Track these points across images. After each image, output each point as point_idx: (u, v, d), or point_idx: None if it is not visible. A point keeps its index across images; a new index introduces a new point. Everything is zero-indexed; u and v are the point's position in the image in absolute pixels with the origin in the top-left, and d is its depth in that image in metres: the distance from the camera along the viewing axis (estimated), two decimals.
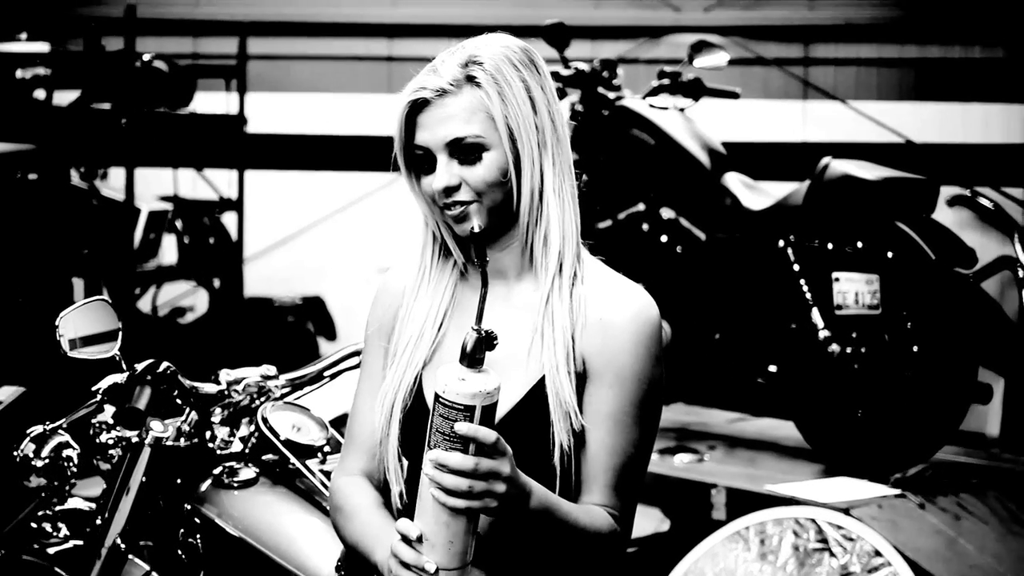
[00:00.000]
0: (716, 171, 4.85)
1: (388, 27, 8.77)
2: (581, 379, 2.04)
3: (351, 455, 2.19)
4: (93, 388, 2.67)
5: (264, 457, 2.71)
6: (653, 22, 8.37)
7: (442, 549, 1.86)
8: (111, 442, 2.72)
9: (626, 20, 8.45)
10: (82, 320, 2.60)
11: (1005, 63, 7.90)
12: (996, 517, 4.10)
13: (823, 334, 4.38)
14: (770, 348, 4.60)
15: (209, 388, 2.70)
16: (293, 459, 2.65)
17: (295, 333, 8.22)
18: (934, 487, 4.19)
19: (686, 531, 4.40)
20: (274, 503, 2.63)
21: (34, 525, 2.83)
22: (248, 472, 2.67)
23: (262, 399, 2.74)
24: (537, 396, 2.03)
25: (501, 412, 1.99)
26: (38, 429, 2.70)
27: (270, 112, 8.69)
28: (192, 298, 8.72)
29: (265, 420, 2.68)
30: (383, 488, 2.14)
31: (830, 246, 4.44)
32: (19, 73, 7.08)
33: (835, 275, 4.37)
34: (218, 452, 2.71)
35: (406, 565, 1.87)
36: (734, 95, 5.02)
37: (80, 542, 2.78)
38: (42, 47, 7.23)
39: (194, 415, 2.69)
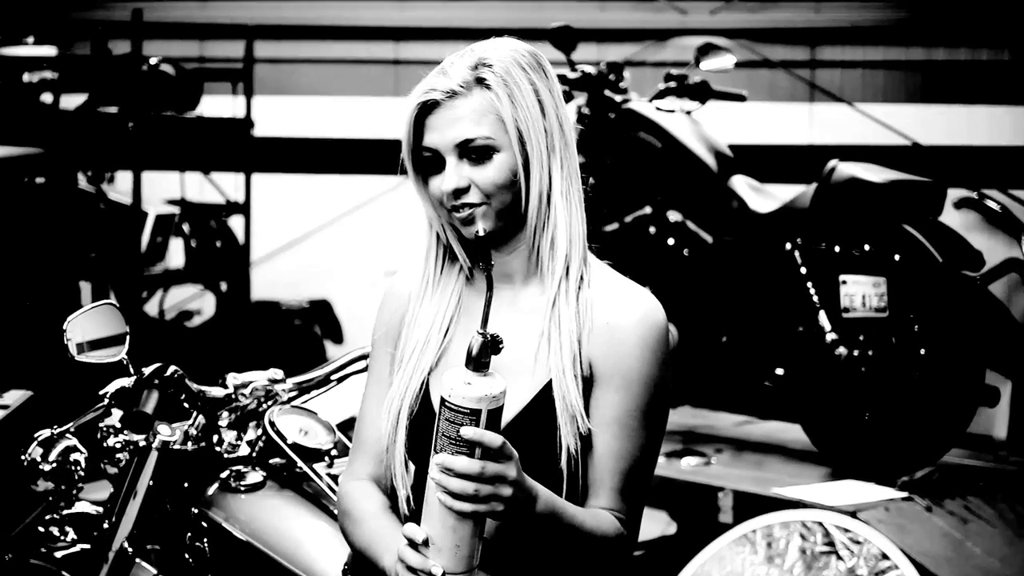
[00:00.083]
0: (723, 174, 4.85)
1: (394, 30, 8.77)
2: (588, 383, 2.04)
3: (359, 460, 2.19)
4: (100, 392, 2.68)
5: (271, 461, 2.71)
6: (659, 25, 8.36)
7: (448, 553, 1.86)
8: (118, 446, 2.72)
9: (632, 23, 8.44)
10: (89, 324, 2.60)
11: (1011, 65, 7.89)
12: (1003, 520, 4.09)
13: (830, 337, 4.38)
14: (777, 351, 4.60)
15: (216, 392, 2.71)
16: (300, 463, 2.65)
17: (302, 336, 8.22)
18: (941, 490, 4.18)
19: (693, 534, 4.39)
20: (281, 507, 2.63)
21: (41, 529, 2.83)
22: (255, 476, 2.67)
23: (269, 403, 2.75)
24: (544, 400, 2.03)
25: (508, 416, 1.99)
26: (45, 433, 2.71)
27: (277, 115, 8.69)
28: (199, 302, 8.72)
29: (272, 424, 2.68)
30: (391, 493, 2.14)
31: (837, 249, 4.43)
32: (26, 77, 7.09)
33: (842, 278, 4.37)
34: (225, 456, 2.71)
35: (412, 569, 1.87)
36: (741, 98, 5.02)
37: (87, 546, 2.78)
38: (49, 51, 7.23)
39: (201, 419, 2.70)
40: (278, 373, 2.80)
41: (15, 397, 3.64)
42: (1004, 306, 4.25)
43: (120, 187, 7.56)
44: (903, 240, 4.26)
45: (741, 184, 4.83)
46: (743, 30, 8.14)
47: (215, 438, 2.71)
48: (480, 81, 2.03)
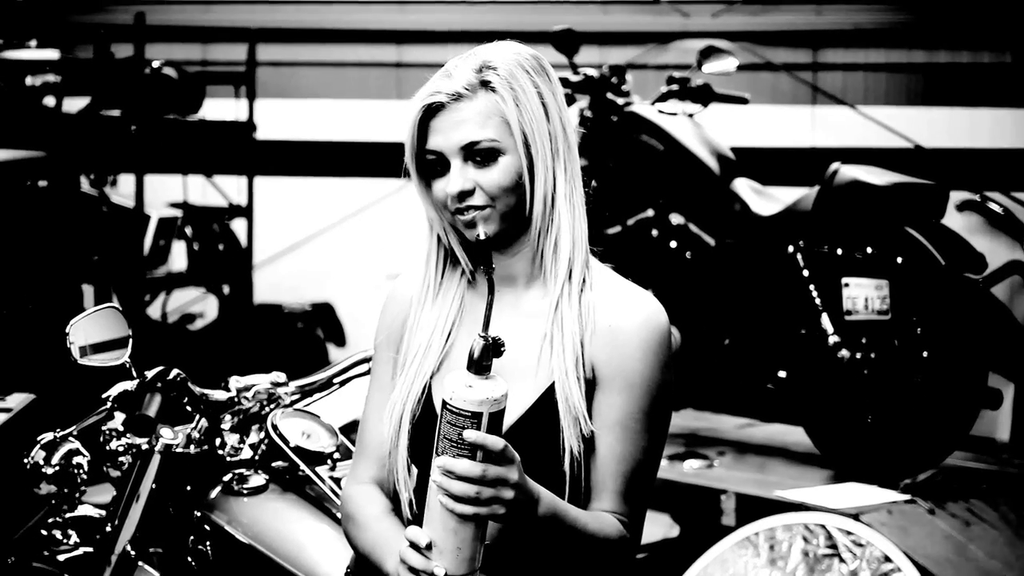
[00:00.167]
0: (725, 177, 4.86)
1: (397, 33, 8.78)
2: (590, 386, 2.05)
3: (362, 464, 2.19)
4: (103, 395, 2.68)
5: (274, 464, 2.71)
6: (662, 27, 8.36)
7: (450, 555, 1.86)
8: (121, 449, 2.72)
9: (635, 26, 8.44)
10: (92, 327, 2.60)
11: (1013, 68, 7.89)
12: (1006, 523, 4.09)
13: (833, 340, 4.38)
14: (780, 354, 4.60)
15: (219, 395, 2.71)
16: (303, 466, 2.65)
17: (305, 339, 8.22)
18: (944, 493, 4.18)
19: (696, 537, 4.39)
20: (284, 510, 2.63)
21: (44, 532, 2.83)
22: (258, 479, 2.67)
23: (272, 406, 2.75)
24: (547, 403, 2.03)
25: (511, 418, 2.00)
26: (48, 436, 2.71)
27: (279, 118, 8.70)
28: (202, 305, 8.73)
29: (275, 427, 2.68)
30: (394, 496, 2.14)
31: (839, 251, 4.43)
32: (29, 80, 7.09)
33: (845, 280, 4.37)
34: (228, 459, 2.71)
35: (414, 571, 1.87)
36: (743, 100, 5.02)
37: (90, 549, 2.78)
38: (52, 54, 7.23)
39: (204, 422, 2.70)
40: (281, 376, 2.80)
41: (18, 400, 3.63)
42: (1007, 308, 4.25)
43: (123, 190, 7.57)
44: (905, 243, 4.26)
45: (743, 187, 4.83)
46: (745, 33, 8.14)
47: (218, 441, 2.72)
48: (485, 84, 2.03)
